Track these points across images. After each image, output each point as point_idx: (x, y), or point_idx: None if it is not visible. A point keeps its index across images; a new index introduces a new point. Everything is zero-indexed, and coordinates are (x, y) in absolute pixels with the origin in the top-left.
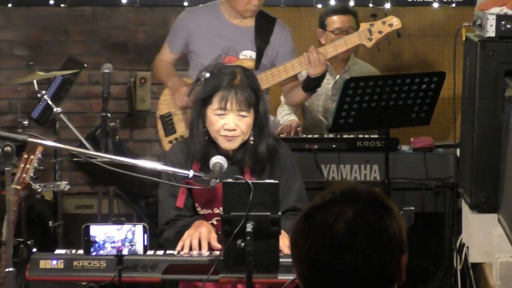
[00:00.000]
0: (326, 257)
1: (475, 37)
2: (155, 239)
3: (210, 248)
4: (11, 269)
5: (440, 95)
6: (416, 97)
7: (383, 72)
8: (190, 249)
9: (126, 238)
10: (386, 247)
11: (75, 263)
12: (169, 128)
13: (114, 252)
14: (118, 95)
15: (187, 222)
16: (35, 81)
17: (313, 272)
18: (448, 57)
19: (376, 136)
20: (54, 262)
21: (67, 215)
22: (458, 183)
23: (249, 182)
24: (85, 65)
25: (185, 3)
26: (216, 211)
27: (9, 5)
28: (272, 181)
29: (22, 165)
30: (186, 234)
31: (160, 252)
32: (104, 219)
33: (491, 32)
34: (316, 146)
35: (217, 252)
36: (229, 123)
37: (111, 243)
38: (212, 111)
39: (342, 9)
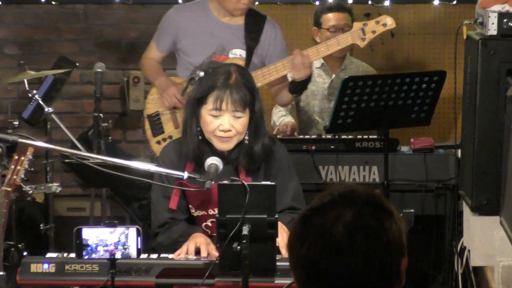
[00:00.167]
0: (324, 261)
1: (476, 35)
2: (149, 242)
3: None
4: (1, 273)
5: (441, 95)
6: (416, 96)
7: (381, 71)
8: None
9: (119, 241)
10: (386, 250)
11: (67, 267)
12: (157, 128)
13: (107, 255)
14: (110, 94)
15: (184, 232)
16: (25, 81)
17: (311, 276)
18: (449, 56)
19: (375, 136)
20: (46, 266)
21: (58, 218)
22: (459, 184)
23: (245, 183)
24: (77, 64)
25: (179, 0)
26: (211, 212)
27: None
28: (269, 183)
29: (12, 167)
30: (184, 246)
31: (154, 256)
32: (97, 222)
33: (492, 30)
34: (313, 147)
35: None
36: (224, 124)
37: (103, 246)
38: (206, 111)
39: (338, 7)
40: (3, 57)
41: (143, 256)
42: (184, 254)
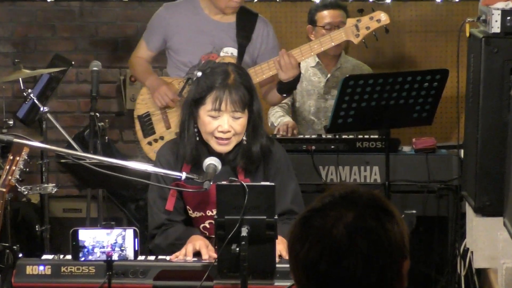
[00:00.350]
0: (324, 263)
1: (479, 33)
2: (146, 244)
3: None
4: None
5: (443, 94)
6: (418, 96)
7: (383, 70)
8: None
9: (116, 242)
10: (387, 252)
11: (63, 269)
12: (148, 128)
13: (103, 257)
14: (107, 93)
15: (181, 234)
16: (20, 79)
17: (311, 277)
18: (451, 54)
19: (376, 136)
20: (41, 267)
21: (54, 219)
22: (462, 185)
23: (244, 184)
24: (73, 63)
25: None
26: (209, 213)
27: None
28: (268, 183)
29: (7, 167)
30: (183, 248)
31: (152, 258)
32: (93, 223)
33: (496, 28)
34: (313, 147)
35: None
36: (223, 125)
37: (100, 248)
38: (205, 112)
39: (333, 4)
40: None
41: (141, 258)
42: (182, 256)
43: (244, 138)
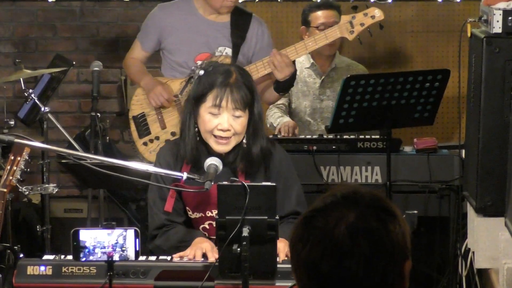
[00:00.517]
0: (325, 264)
1: (480, 33)
2: (147, 244)
3: None
4: None
5: (445, 94)
6: (419, 96)
7: (384, 71)
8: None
9: (117, 243)
10: (389, 253)
11: (64, 269)
12: (143, 129)
13: (104, 257)
14: (108, 94)
15: (184, 237)
16: (21, 79)
17: (312, 278)
18: (453, 54)
19: (378, 136)
20: (42, 268)
21: (55, 219)
22: (463, 185)
23: (245, 184)
24: (74, 63)
25: None
26: (209, 214)
27: None
28: (269, 183)
29: (8, 167)
30: (188, 250)
31: (153, 258)
32: (94, 223)
33: (497, 28)
34: (315, 147)
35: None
36: (223, 123)
37: (101, 248)
38: (205, 109)
39: (326, 4)
40: None
41: (142, 258)
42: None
43: (244, 140)
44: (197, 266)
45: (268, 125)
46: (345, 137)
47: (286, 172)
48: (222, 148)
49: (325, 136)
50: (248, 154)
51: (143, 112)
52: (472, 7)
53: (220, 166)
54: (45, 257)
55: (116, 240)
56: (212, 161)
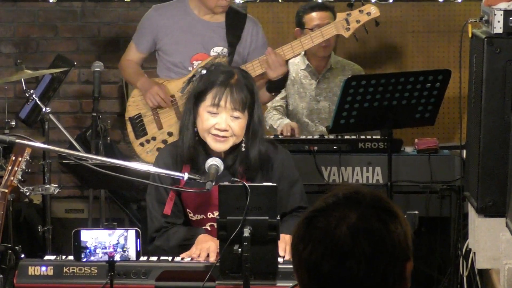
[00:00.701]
0: (326, 264)
1: (481, 33)
2: (146, 246)
3: None
4: None
5: (446, 94)
6: (420, 96)
7: (385, 71)
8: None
9: (118, 243)
10: (390, 254)
11: (65, 269)
12: (139, 130)
13: (105, 258)
14: (109, 94)
15: (186, 235)
16: (22, 80)
17: (313, 278)
18: (454, 55)
19: (379, 137)
20: (43, 268)
21: (56, 220)
22: (464, 186)
23: (246, 185)
24: (75, 63)
25: None
26: (210, 215)
27: None
28: (270, 184)
29: (9, 168)
30: (194, 249)
31: (154, 258)
32: (95, 224)
33: (498, 28)
34: (316, 148)
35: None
36: (221, 123)
37: (102, 248)
38: (204, 108)
39: (320, 6)
40: (0, 56)
41: (143, 258)
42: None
43: (243, 144)
44: (198, 267)
45: (268, 127)
46: (346, 137)
47: (289, 171)
48: (220, 146)
49: (326, 137)
50: (247, 158)
51: (140, 113)
52: (473, 7)
53: (221, 167)
54: (46, 257)
55: (117, 240)
56: (213, 162)
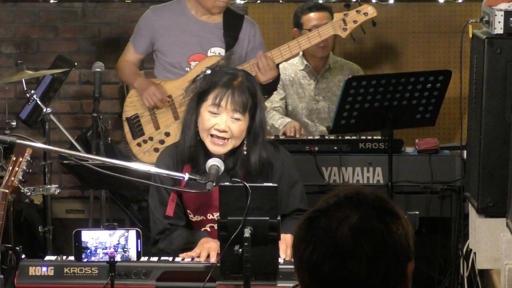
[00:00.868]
0: (328, 265)
1: (482, 34)
2: (148, 246)
3: None
4: None
5: (446, 95)
6: (421, 96)
7: (386, 71)
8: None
9: (118, 243)
10: (391, 254)
11: (65, 270)
12: (137, 130)
13: (106, 258)
14: (110, 95)
15: (189, 238)
16: (23, 80)
17: (314, 278)
18: (454, 55)
19: (379, 137)
20: (44, 269)
21: (57, 220)
22: (465, 186)
23: (247, 185)
24: (76, 64)
25: None
26: (210, 217)
27: None
28: (270, 184)
29: (10, 168)
30: (196, 250)
31: (155, 259)
32: (96, 224)
33: (499, 28)
34: (316, 148)
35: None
36: (221, 123)
37: (103, 249)
38: (205, 108)
39: (318, 6)
40: (0, 56)
41: (143, 259)
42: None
43: (244, 148)
44: (198, 267)
45: (269, 127)
46: (346, 138)
47: (289, 172)
48: (218, 149)
49: (326, 137)
50: (247, 162)
51: (137, 114)
52: (473, 8)
53: (222, 167)
54: (47, 257)
55: (118, 240)
56: (213, 162)
